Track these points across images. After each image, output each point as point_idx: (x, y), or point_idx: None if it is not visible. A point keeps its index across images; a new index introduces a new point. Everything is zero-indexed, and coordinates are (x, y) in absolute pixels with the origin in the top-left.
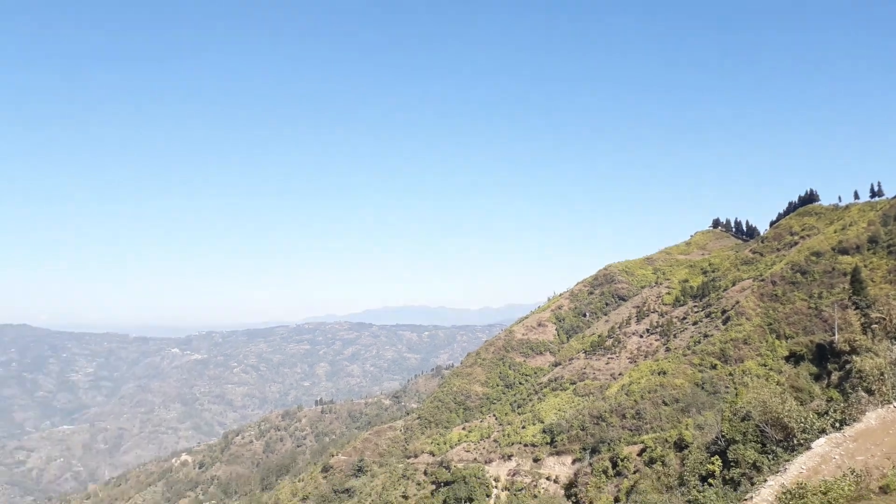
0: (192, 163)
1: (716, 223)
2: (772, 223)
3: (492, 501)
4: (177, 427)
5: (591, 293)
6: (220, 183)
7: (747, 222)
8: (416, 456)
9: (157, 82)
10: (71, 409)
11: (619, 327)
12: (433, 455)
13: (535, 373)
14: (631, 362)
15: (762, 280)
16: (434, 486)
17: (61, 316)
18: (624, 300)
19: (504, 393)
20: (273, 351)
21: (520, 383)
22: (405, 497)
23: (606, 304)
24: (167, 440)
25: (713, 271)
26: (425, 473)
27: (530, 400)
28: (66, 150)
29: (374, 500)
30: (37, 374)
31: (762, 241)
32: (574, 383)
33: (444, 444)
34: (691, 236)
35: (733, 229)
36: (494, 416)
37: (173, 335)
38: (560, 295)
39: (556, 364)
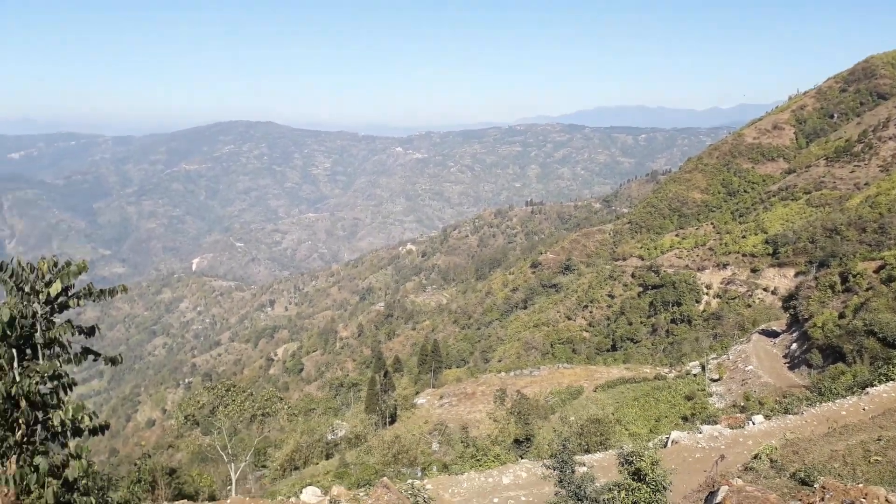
0: None
1: None
2: None
3: (701, 307)
4: (402, 219)
5: (844, 91)
6: None
7: None
8: (623, 259)
9: None
10: (314, 200)
11: (872, 130)
12: (642, 259)
13: (764, 181)
14: (882, 171)
15: None
16: (641, 289)
17: (300, 115)
18: (884, 99)
19: (725, 201)
20: (486, 152)
21: (744, 191)
22: (611, 296)
23: (861, 104)
24: (394, 230)
25: None
26: (633, 276)
27: (754, 209)
28: None
29: (579, 296)
30: (284, 167)
31: None
32: (808, 193)
33: (655, 249)
34: None
35: None
36: (712, 224)
37: (395, 134)
38: (804, 93)
39: (790, 171)
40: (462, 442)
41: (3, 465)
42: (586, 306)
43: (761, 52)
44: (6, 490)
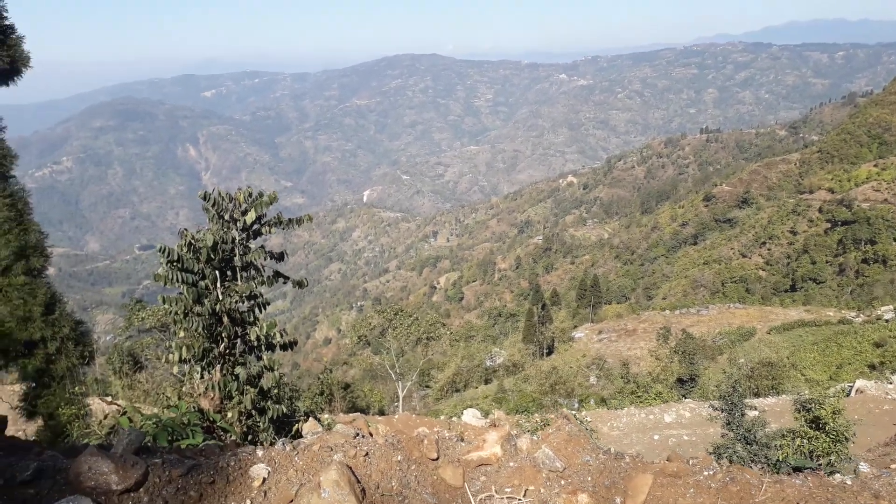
0: None
1: None
2: None
3: None
4: (563, 150)
5: None
6: None
7: None
8: (810, 192)
9: None
10: (475, 132)
11: None
12: (832, 192)
13: None
14: None
15: None
16: (829, 225)
17: (463, 45)
18: None
19: None
20: (658, 76)
21: None
22: (793, 233)
23: None
24: (555, 162)
25: None
26: (820, 211)
27: None
28: None
29: (757, 232)
30: (448, 99)
31: None
32: None
33: (848, 181)
34: None
35: None
36: None
37: (560, 61)
38: None
39: None
40: (622, 377)
41: (209, 374)
42: (764, 243)
43: None
44: (212, 394)
